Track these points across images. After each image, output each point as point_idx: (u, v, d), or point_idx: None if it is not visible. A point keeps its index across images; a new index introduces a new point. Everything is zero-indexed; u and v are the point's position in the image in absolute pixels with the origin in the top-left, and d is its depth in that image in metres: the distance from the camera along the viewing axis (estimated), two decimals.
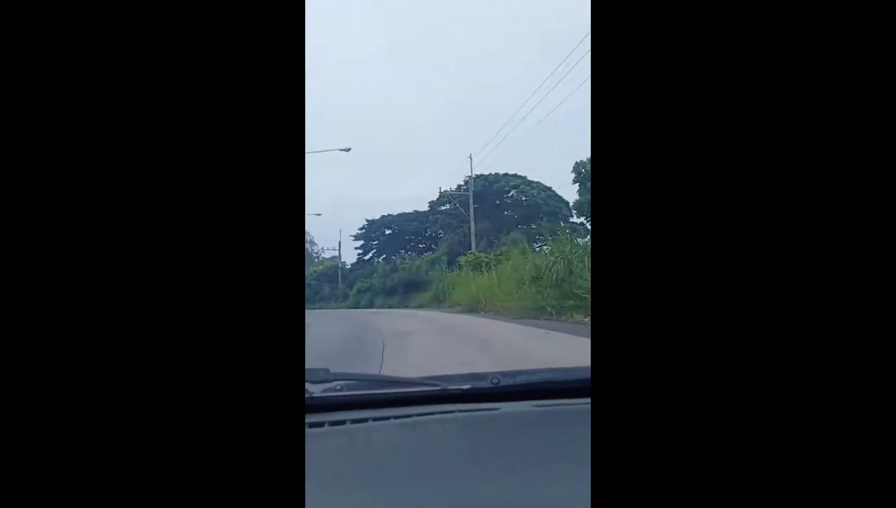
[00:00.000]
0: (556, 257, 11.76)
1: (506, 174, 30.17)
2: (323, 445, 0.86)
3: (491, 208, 28.56)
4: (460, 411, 1.00)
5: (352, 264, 38.45)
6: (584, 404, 0.61)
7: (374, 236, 36.67)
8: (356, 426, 0.96)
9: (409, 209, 35.02)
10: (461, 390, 1.07)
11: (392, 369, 5.10)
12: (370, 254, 36.64)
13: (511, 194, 30.52)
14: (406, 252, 33.85)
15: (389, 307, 24.00)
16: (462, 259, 21.13)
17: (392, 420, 0.98)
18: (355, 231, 36.70)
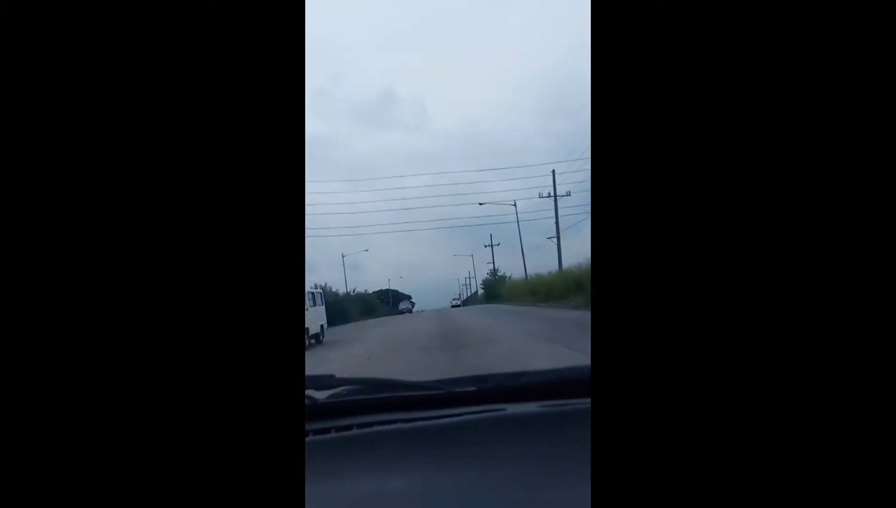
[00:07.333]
0: None
1: None
2: (328, 451, 0.86)
3: None
4: (466, 413, 1.00)
5: None
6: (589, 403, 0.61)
7: None
8: (362, 430, 0.96)
9: None
10: (466, 392, 1.06)
11: None
12: None
13: None
14: None
15: None
16: None
17: (398, 425, 0.98)
18: None
